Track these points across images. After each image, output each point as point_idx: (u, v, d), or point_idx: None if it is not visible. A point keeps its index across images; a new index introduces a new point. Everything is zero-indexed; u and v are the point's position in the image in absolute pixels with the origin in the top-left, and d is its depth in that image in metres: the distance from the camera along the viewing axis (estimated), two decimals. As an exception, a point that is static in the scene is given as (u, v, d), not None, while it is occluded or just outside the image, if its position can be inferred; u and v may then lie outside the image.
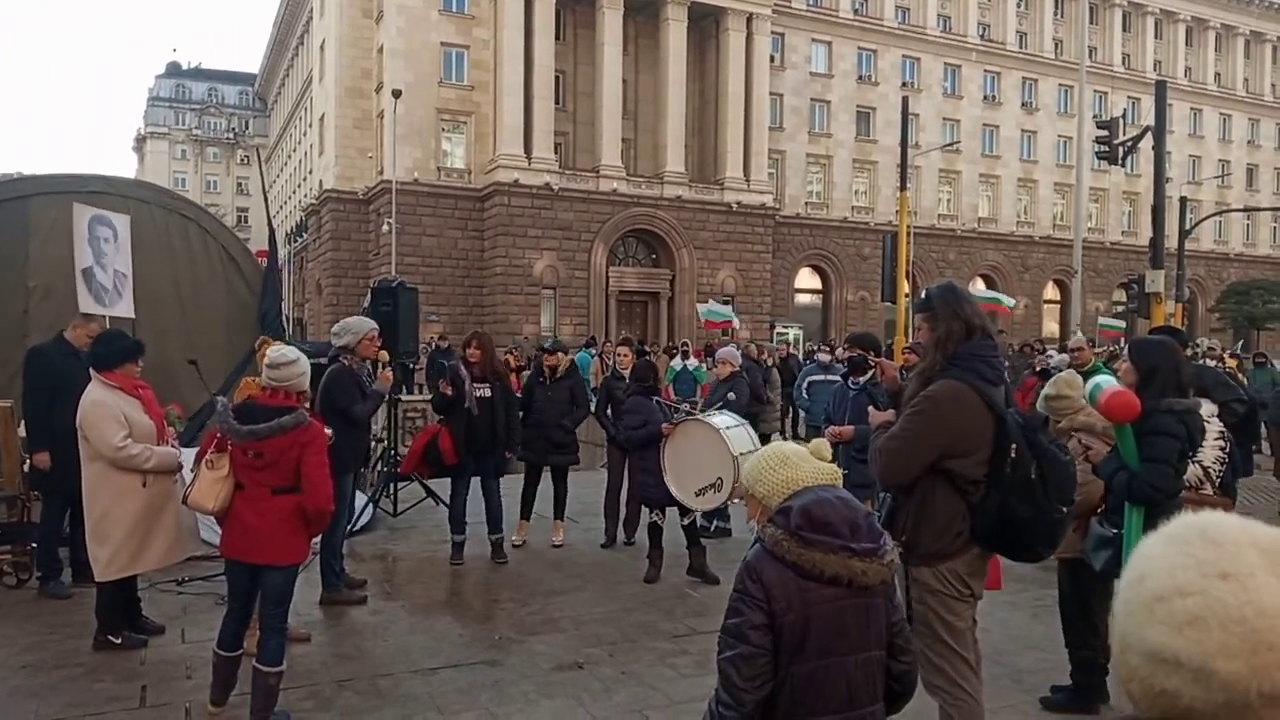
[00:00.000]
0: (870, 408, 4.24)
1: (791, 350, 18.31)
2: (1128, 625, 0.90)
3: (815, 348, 18.85)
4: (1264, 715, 0.82)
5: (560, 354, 8.17)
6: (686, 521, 6.88)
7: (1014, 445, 3.16)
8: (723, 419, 6.40)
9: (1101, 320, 35.78)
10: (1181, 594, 0.85)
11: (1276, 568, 0.84)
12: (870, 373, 6.12)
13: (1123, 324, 35.00)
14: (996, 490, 3.16)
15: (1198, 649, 0.83)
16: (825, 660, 2.20)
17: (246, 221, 78.11)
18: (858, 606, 2.23)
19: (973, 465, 3.19)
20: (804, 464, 2.35)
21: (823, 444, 2.43)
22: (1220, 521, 0.91)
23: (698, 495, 6.25)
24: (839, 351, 17.21)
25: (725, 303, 33.06)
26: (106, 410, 4.92)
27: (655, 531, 6.96)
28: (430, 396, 9.75)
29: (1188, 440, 3.68)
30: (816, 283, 46.94)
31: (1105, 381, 3.48)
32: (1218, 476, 4.71)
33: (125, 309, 7.21)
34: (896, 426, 3.30)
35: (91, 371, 5.09)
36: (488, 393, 7.25)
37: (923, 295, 3.50)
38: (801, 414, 12.18)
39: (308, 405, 4.46)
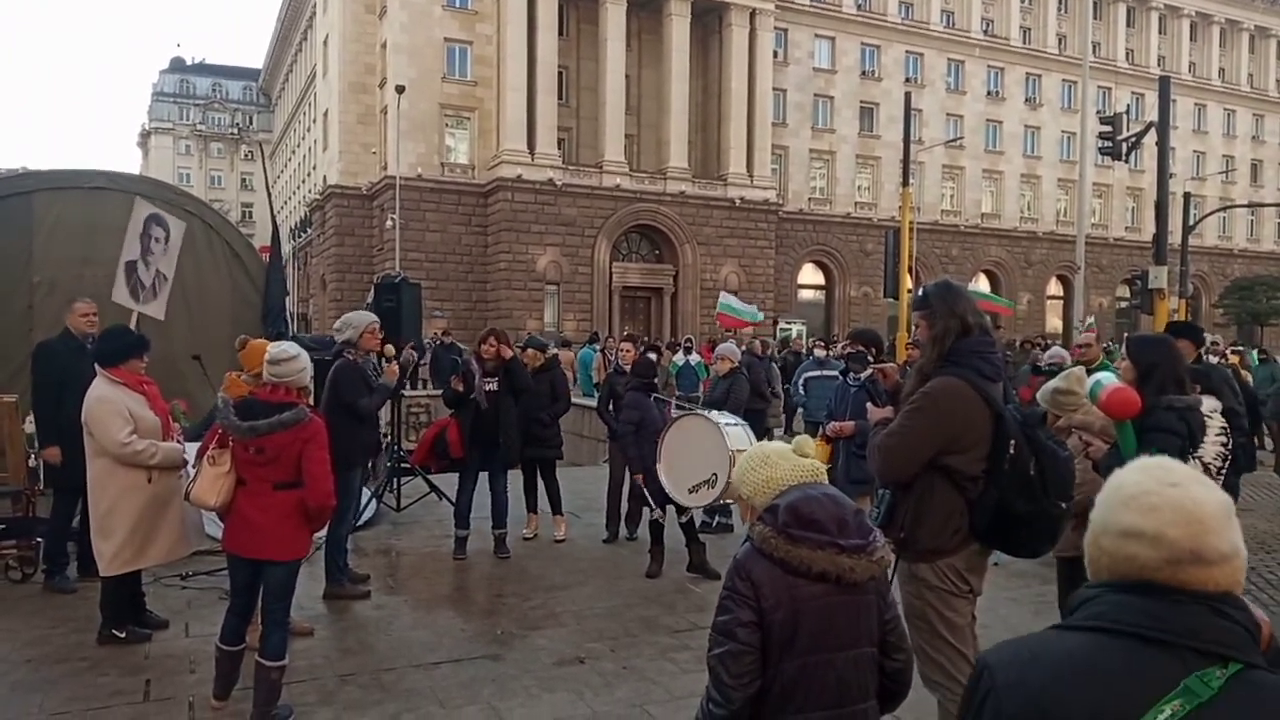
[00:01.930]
0: (869, 404, 4.25)
1: (805, 347, 18.32)
2: (1107, 518, 1.37)
3: (813, 343, 18.81)
4: (1190, 570, 1.30)
5: (533, 350, 8.19)
6: (684, 519, 6.90)
7: (1012, 441, 3.17)
8: (722, 416, 6.41)
9: (1088, 320, 35.72)
10: (1147, 494, 1.34)
11: (1201, 483, 1.36)
12: (870, 370, 6.12)
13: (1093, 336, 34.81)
14: (995, 486, 3.17)
15: (1155, 522, 1.31)
16: (814, 657, 2.20)
17: (251, 217, 78.16)
18: (847, 603, 2.23)
19: (971, 461, 3.20)
20: (783, 462, 2.37)
21: (806, 440, 2.44)
22: (1169, 460, 1.42)
23: (691, 492, 6.21)
24: (836, 348, 17.24)
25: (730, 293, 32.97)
26: (111, 406, 4.94)
27: (657, 528, 6.98)
28: (434, 392, 9.80)
29: (1188, 437, 3.69)
30: (819, 278, 46.94)
31: (1106, 378, 3.49)
32: (1219, 473, 4.68)
33: (157, 310, 7.25)
34: (895, 423, 3.32)
35: (96, 367, 5.11)
36: (494, 386, 7.28)
37: (920, 293, 3.51)
38: (799, 410, 12.20)
39: (310, 401, 4.48)
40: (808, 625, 2.19)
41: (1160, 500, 1.31)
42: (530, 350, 8.18)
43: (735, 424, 6.27)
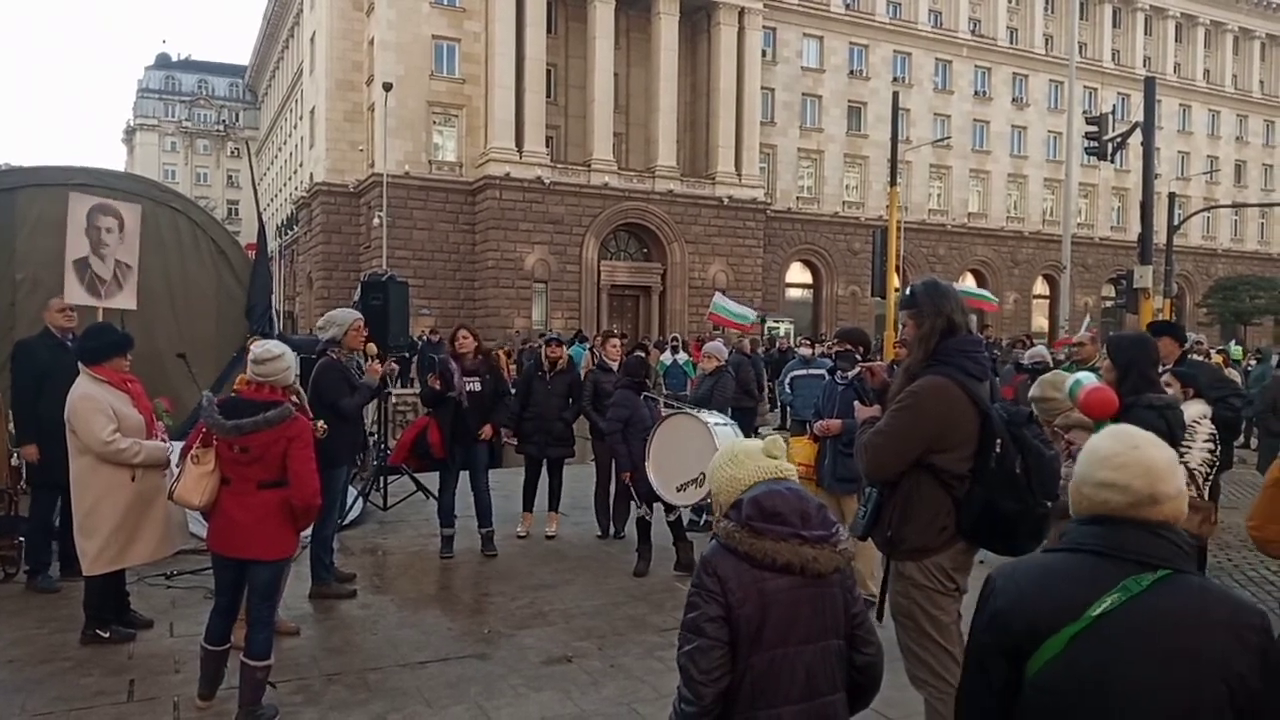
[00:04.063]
0: (856, 403, 4.26)
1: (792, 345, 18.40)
2: (1087, 473, 1.84)
3: (799, 341, 18.87)
4: (1147, 509, 1.76)
5: (555, 345, 8.22)
6: (672, 518, 6.90)
7: (999, 440, 3.18)
8: (712, 416, 6.42)
9: (1086, 321, 35.90)
10: (1118, 455, 1.81)
11: (1157, 445, 1.82)
12: (857, 369, 6.13)
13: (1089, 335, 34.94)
14: (982, 485, 3.18)
15: (1124, 476, 1.78)
16: (782, 650, 2.22)
17: (237, 214, 77.71)
18: (812, 595, 2.26)
19: (958, 460, 3.21)
20: (749, 462, 2.39)
21: (776, 440, 2.46)
22: (1130, 428, 1.90)
23: (679, 490, 6.25)
24: (820, 346, 17.30)
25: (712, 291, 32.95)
26: (95, 404, 4.91)
27: (644, 526, 6.98)
28: (420, 390, 9.78)
29: (1168, 435, 3.71)
30: (807, 277, 47.01)
31: (1085, 378, 3.51)
32: (1205, 480, 4.69)
33: (125, 300, 7.13)
34: (882, 422, 3.32)
35: (80, 365, 5.07)
36: (478, 386, 7.25)
37: (907, 292, 3.52)
38: (788, 408, 12.22)
39: (295, 400, 4.45)
40: (774, 618, 2.22)
41: (1128, 459, 1.79)
42: (563, 346, 8.19)
43: (724, 424, 6.28)
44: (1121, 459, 1.78)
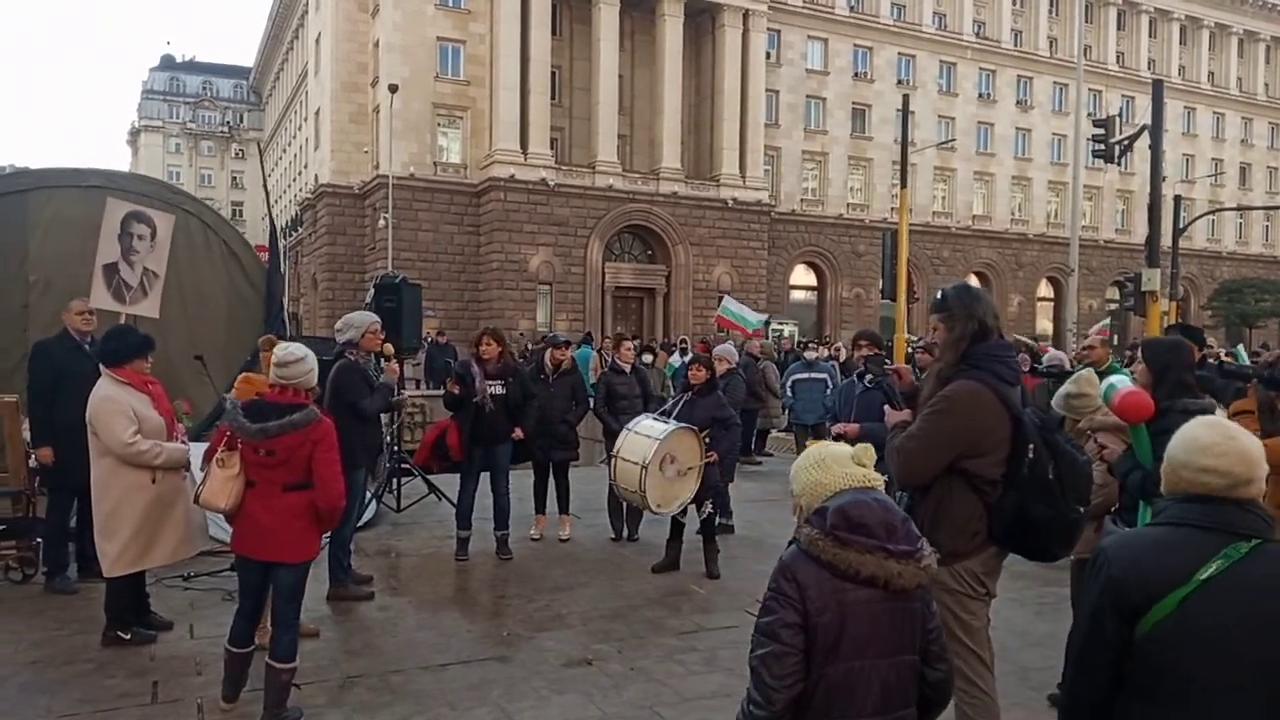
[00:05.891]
0: (886, 406, 4.25)
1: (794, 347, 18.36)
2: (1187, 459, 2.10)
3: (803, 345, 18.82)
4: (1242, 489, 2.05)
5: (559, 350, 8.19)
6: (703, 515, 6.91)
7: (1031, 445, 3.18)
8: (648, 423, 6.69)
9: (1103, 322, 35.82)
10: (1217, 445, 2.08)
11: (1248, 435, 2.11)
12: (886, 370, 6.14)
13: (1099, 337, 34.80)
14: (1014, 490, 3.18)
15: (1225, 463, 2.05)
16: (859, 662, 2.20)
17: (241, 216, 77.69)
18: (893, 609, 2.22)
19: (990, 465, 3.20)
20: (835, 468, 2.35)
21: (867, 448, 2.41)
22: (1225, 420, 2.24)
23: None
24: (825, 349, 17.30)
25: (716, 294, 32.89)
26: (116, 406, 4.91)
27: (677, 526, 7.00)
28: (429, 392, 9.76)
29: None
30: (811, 279, 47.00)
31: (1120, 381, 3.50)
32: None
33: (149, 309, 7.13)
34: (914, 426, 3.32)
35: (101, 367, 5.08)
36: (501, 390, 7.24)
37: (938, 296, 3.52)
38: (787, 411, 12.21)
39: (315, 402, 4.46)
40: (853, 630, 2.19)
41: (1227, 449, 2.07)
42: (556, 350, 8.15)
43: (644, 434, 6.53)
44: (1222, 448, 2.08)
